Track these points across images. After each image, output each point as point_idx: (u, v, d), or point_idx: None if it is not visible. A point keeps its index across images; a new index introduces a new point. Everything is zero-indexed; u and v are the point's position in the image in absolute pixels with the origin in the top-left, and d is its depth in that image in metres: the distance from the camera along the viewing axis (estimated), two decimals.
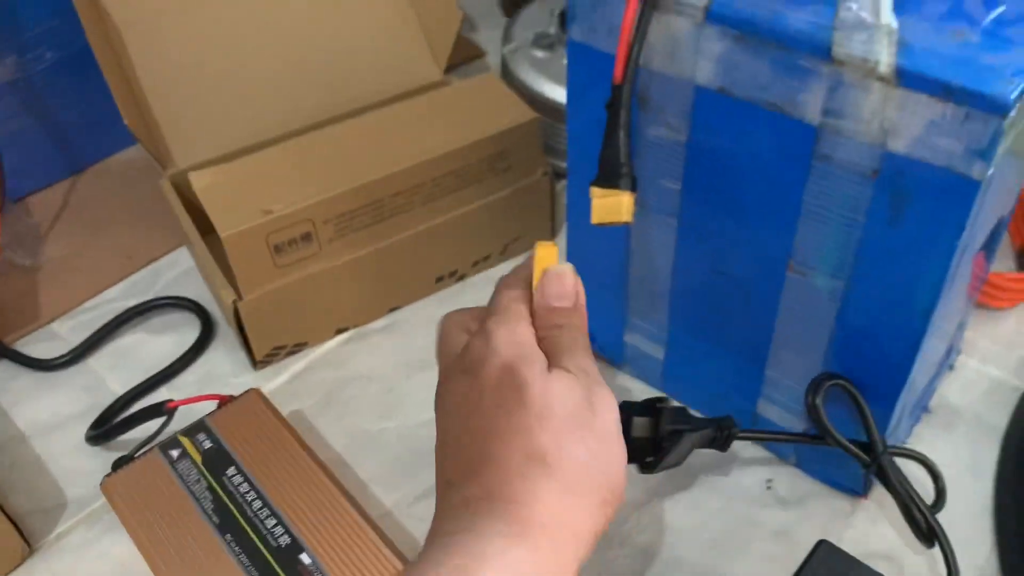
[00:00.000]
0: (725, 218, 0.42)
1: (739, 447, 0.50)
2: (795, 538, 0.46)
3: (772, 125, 0.37)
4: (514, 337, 0.35)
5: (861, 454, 0.43)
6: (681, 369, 0.51)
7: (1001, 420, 0.51)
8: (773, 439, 0.44)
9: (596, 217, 0.39)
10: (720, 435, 0.42)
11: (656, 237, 0.46)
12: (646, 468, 0.41)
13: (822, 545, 0.39)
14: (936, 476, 0.45)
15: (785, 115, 0.37)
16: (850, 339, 0.42)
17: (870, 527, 0.46)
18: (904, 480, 0.43)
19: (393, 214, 0.55)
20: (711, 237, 0.43)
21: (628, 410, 0.40)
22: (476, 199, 0.58)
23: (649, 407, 0.41)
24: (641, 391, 0.53)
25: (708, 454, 0.50)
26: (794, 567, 0.45)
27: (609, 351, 0.54)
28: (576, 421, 0.33)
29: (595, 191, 0.39)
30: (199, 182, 0.53)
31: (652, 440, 0.41)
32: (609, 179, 0.38)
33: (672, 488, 0.49)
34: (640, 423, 0.41)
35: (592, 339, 0.54)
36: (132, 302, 0.61)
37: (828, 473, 0.48)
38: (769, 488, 0.48)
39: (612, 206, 0.38)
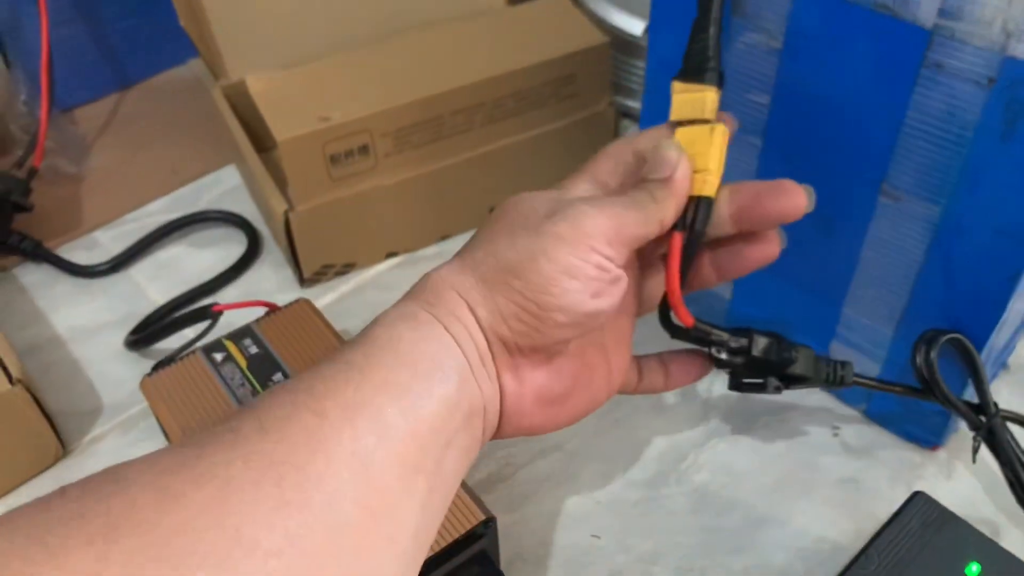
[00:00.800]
0: (815, 137, 0.40)
1: (806, 392, 0.48)
2: (861, 487, 0.44)
3: (879, 29, 0.35)
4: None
5: (972, 415, 0.40)
6: (749, 308, 0.48)
7: None
8: (885, 389, 0.41)
9: (675, 114, 0.36)
10: (834, 375, 0.39)
11: (736, 161, 0.43)
12: (740, 386, 0.39)
13: (917, 496, 0.37)
14: None
15: (895, 18, 0.34)
16: (942, 272, 0.39)
17: (942, 481, 0.44)
18: (1015, 445, 0.40)
19: (452, 133, 0.53)
20: (797, 159, 0.41)
21: (750, 345, 0.38)
22: (537, 126, 0.55)
23: (776, 354, 0.38)
24: None
25: (774, 397, 0.47)
26: (859, 516, 0.42)
27: None
28: (524, 222, 0.32)
29: (676, 86, 0.36)
30: (256, 86, 0.52)
31: (763, 363, 0.38)
32: (694, 73, 0.35)
33: (732, 429, 0.46)
34: (762, 342, 0.37)
35: None
36: (176, 216, 0.59)
37: (899, 423, 0.45)
38: (836, 435, 0.46)
39: (695, 102, 0.35)
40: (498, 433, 0.33)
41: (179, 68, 0.71)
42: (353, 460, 0.26)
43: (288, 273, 0.56)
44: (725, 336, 0.38)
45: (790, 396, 0.47)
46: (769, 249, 0.37)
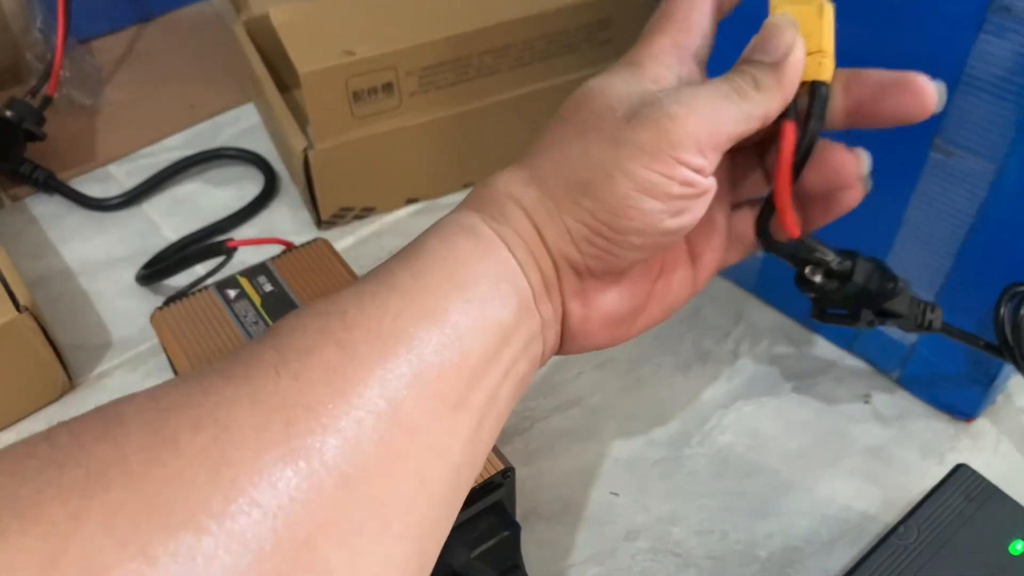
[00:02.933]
0: None
1: (836, 356, 0.46)
2: (891, 457, 0.42)
3: None
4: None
5: None
6: (781, 265, 0.46)
7: None
8: (968, 342, 0.37)
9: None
10: (922, 317, 0.35)
11: None
12: (824, 316, 0.35)
13: (960, 468, 0.35)
14: None
15: None
16: (992, 234, 0.37)
17: (976, 453, 0.42)
18: None
19: (479, 75, 0.51)
20: None
21: (852, 266, 0.33)
22: (568, 71, 0.53)
23: (877, 280, 0.34)
24: (729, 291, 0.49)
25: (797, 359, 0.46)
26: (888, 486, 0.41)
27: None
28: (598, 123, 0.27)
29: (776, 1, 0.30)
30: (279, 17, 0.50)
31: (860, 292, 0.33)
32: None
33: (759, 392, 0.45)
34: (866, 267, 0.33)
35: None
36: (192, 152, 0.57)
37: (934, 393, 0.44)
38: (866, 403, 0.44)
39: (808, 16, 0.29)
40: (559, 353, 0.30)
41: (200, 3, 0.69)
42: (379, 401, 0.22)
43: (305, 215, 0.54)
44: (830, 256, 0.33)
45: (819, 361, 0.46)
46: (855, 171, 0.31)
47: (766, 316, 0.48)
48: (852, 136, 0.39)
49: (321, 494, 0.21)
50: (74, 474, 0.19)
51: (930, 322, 0.36)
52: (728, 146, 0.27)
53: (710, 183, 0.27)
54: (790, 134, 0.29)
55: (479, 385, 0.25)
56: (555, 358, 0.46)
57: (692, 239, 0.32)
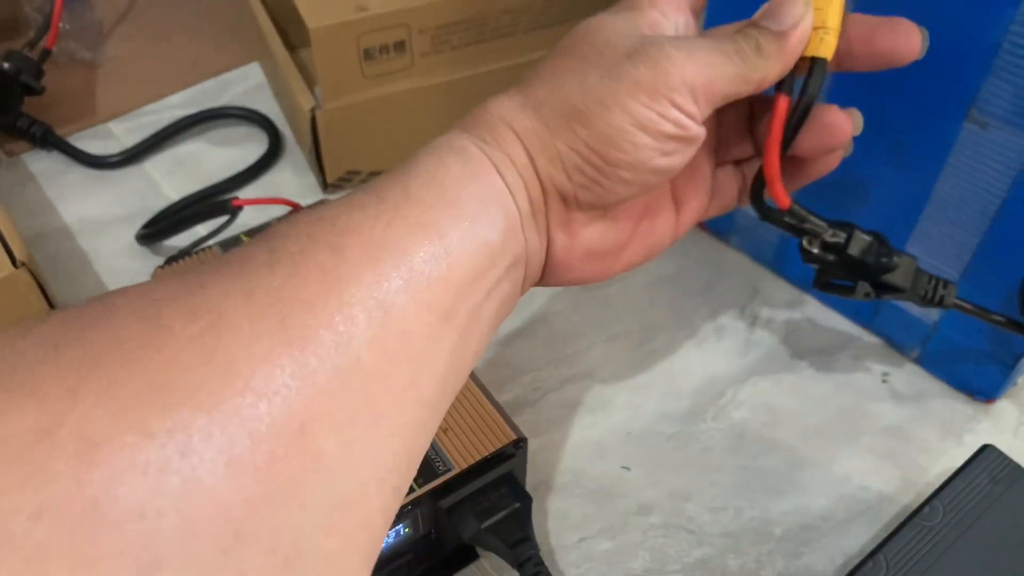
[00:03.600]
0: None
1: (855, 333, 0.45)
2: (910, 436, 0.41)
3: None
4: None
5: None
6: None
7: None
8: (986, 318, 0.36)
9: None
10: (933, 293, 0.35)
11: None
12: (825, 286, 0.35)
13: (986, 449, 0.34)
14: None
15: None
16: None
17: (995, 435, 0.41)
18: None
19: (495, 36, 0.49)
20: (874, 75, 0.37)
21: (849, 240, 0.33)
22: None
23: (875, 254, 0.33)
24: (746, 265, 0.48)
25: (814, 335, 0.45)
26: (906, 466, 0.40)
27: (716, 219, 0.48)
28: (598, 56, 0.27)
29: None
30: None
31: (858, 264, 0.33)
32: None
33: (776, 368, 0.44)
34: (862, 240, 0.33)
35: None
36: (195, 111, 0.56)
37: (954, 373, 0.43)
38: (885, 381, 0.43)
39: None
40: (540, 283, 0.31)
41: None
42: (371, 303, 0.23)
43: (310, 178, 0.53)
44: (824, 226, 0.33)
45: (836, 338, 0.45)
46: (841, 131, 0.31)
47: (783, 291, 0.47)
48: (884, 102, 0.38)
49: (315, 384, 0.21)
50: (70, 353, 0.19)
51: (942, 297, 0.35)
52: (720, 103, 0.28)
53: (700, 131, 0.28)
54: (783, 107, 0.29)
55: (465, 299, 0.25)
56: (566, 331, 0.45)
57: (677, 185, 0.33)
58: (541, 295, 0.47)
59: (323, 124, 0.48)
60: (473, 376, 0.37)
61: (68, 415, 0.18)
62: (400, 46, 0.47)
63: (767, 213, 0.33)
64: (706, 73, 0.27)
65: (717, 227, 0.49)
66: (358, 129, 0.49)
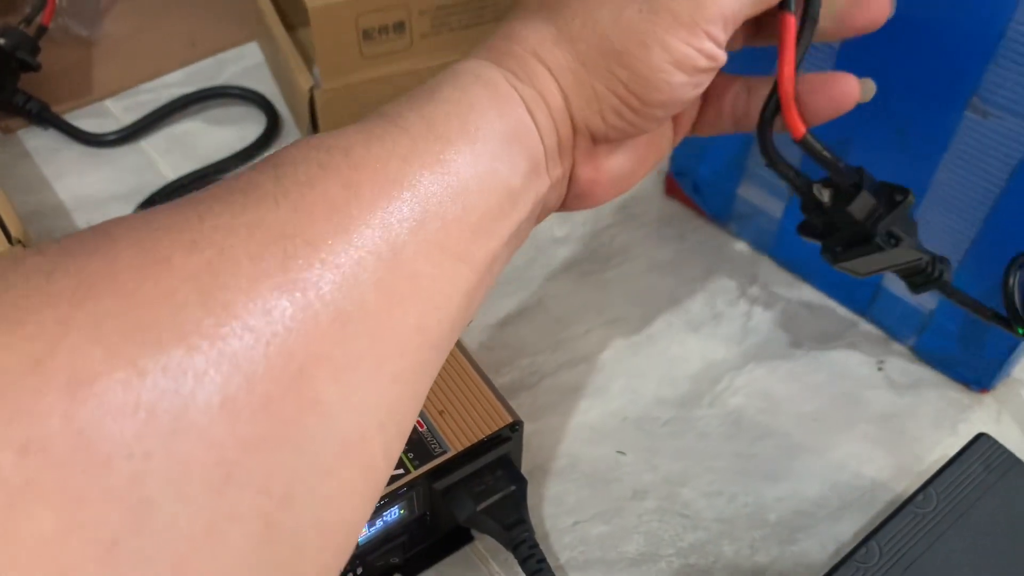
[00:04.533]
0: (901, 39, 0.36)
1: (851, 321, 0.45)
2: (904, 425, 0.41)
3: None
4: None
5: None
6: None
7: None
8: (972, 308, 0.36)
9: None
10: (930, 273, 0.35)
11: (808, 65, 0.40)
12: (829, 254, 0.34)
13: (981, 438, 0.34)
14: None
15: None
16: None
17: (990, 425, 0.41)
18: None
19: (495, 18, 0.49)
20: (877, 63, 0.37)
21: (860, 181, 0.32)
22: None
23: (887, 194, 0.32)
24: (744, 253, 0.48)
25: (812, 323, 0.45)
26: (900, 454, 0.40)
27: (715, 205, 0.48)
28: None
29: None
30: None
31: (859, 228, 0.32)
32: None
33: (772, 355, 0.44)
34: (864, 203, 0.32)
35: (696, 190, 0.49)
36: (192, 90, 0.55)
37: (949, 362, 0.43)
38: (880, 370, 0.43)
39: None
40: (558, 210, 0.30)
41: None
42: (381, 244, 0.22)
43: None
44: (837, 161, 0.31)
45: (833, 326, 0.45)
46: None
47: (781, 278, 0.47)
48: (886, 89, 0.38)
49: (316, 327, 0.20)
50: (63, 283, 0.18)
51: (940, 272, 0.34)
52: (741, 23, 0.28)
53: (725, 58, 0.27)
54: (792, 26, 0.29)
55: (483, 241, 0.24)
56: (563, 315, 0.45)
57: None
58: (540, 279, 0.47)
59: (321, 104, 0.48)
60: (470, 359, 0.37)
61: (58, 347, 0.17)
62: (399, 27, 0.47)
63: (775, 159, 0.32)
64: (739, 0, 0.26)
65: (716, 214, 0.49)
66: (356, 109, 0.49)
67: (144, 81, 0.57)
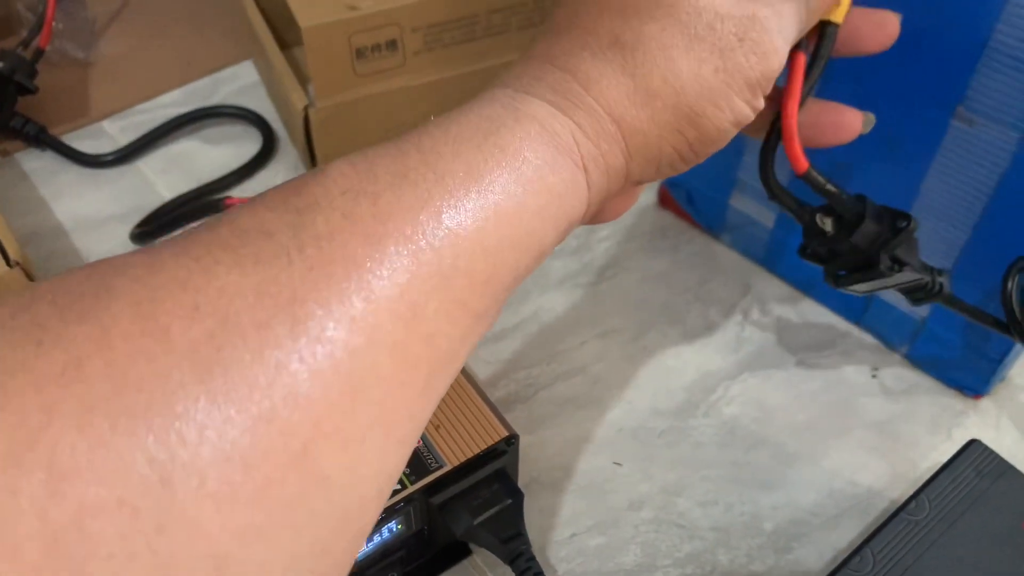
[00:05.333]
0: (886, 51, 0.36)
1: (845, 330, 0.45)
2: (899, 432, 0.41)
3: None
4: None
5: None
6: (792, 237, 0.46)
7: None
8: (972, 315, 0.37)
9: None
10: (930, 288, 0.35)
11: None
12: (832, 279, 0.34)
13: (973, 444, 0.34)
14: None
15: None
16: (1012, 206, 0.36)
17: (985, 431, 0.41)
18: None
19: (487, 34, 0.50)
20: (864, 72, 0.38)
21: (863, 211, 0.32)
22: None
23: (890, 221, 0.33)
24: (738, 263, 0.48)
25: (805, 332, 0.45)
26: (895, 461, 0.40)
27: (708, 216, 0.49)
28: (709, 34, 0.25)
29: None
30: None
31: (863, 255, 0.33)
32: None
33: (766, 364, 0.44)
34: (867, 230, 0.32)
35: (689, 201, 0.50)
36: (189, 109, 0.56)
37: (943, 368, 0.43)
38: (874, 377, 0.44)
39: None
40: None
41: None
42: (400, 304, 0.20)
43: None
44: (841, 193, 0.32)
45: (826, 334, 0.45)
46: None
47: (774, 288, 0.47)
48: (873, 98, 0.38)
49: (326, 399, 0.19)
50: (52, 356, 0.17)
51: (940, 285, 0.35)
52: None
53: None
54: (801, 64, 0.30)
55: (501, 297, 0.23)
56: (558, 327, 0.45)
57: None
58: (535, 292, 0.47)
59: (316, 122, 0.48)
60: (465, 372, 0.37)
61: (41, 437, 0.16)
62: (392, 44, 0.48)
63: (777, 190, 0.32)
64: (786, 49, 0.27)
65: (709, 224, 0.49)
66: (351, 127, 0.49)
67: (140, 102, 0.57)
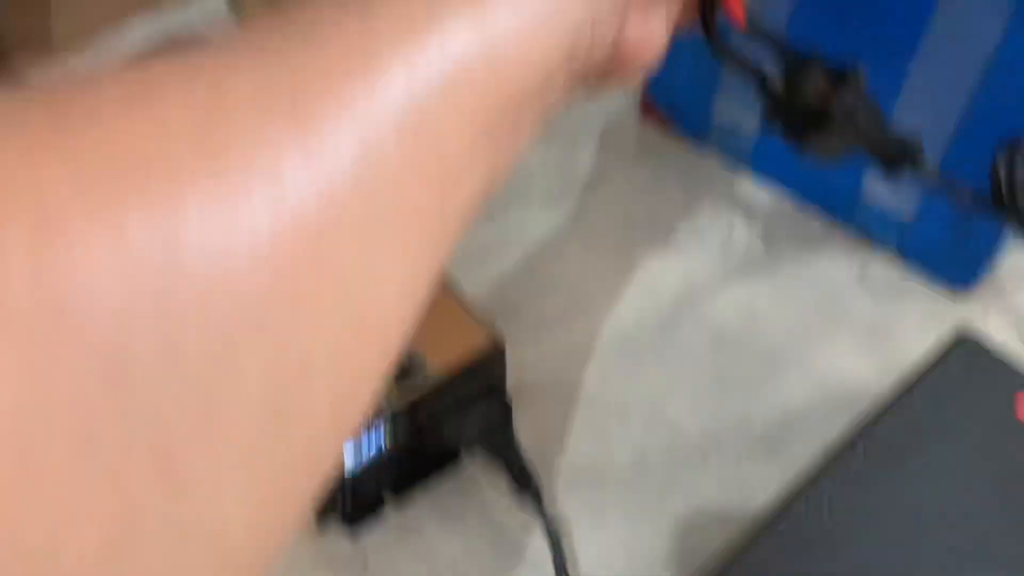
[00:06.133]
0: None
1: (831, 231, 0.45)
2: (888, 330, 0.41)
3: None
4: None
5: None
6: (777, 143, 0.45)
7: None
8: (954, 192, 0.35)
9: None
10: (900, 157, 0.33)
11: None
12: (794, 143, 0.33)
13: (961, 336, 0.34)
14: None
15: None
16: (1004, 83, 0.35)
17: (975, 324, 0.41)
18: None
19: None
20: None
21: (808, 60, 0.31)
22: None
23: (838, 74, 0.31)
24: (723, 172, 0.48)
25: (792, 237, 0.45)
26: (885, 359, 0.40)
27: (692, 122, 0.48)
28: None
29: None
30: None
31: (817, 111, 0.31)
32: None
33: (753, 270, 0.44)
34: (815, 82, 0.31)
35: (672, 108, 0.49)
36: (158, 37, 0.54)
37: (931, 263, 0.43)
38: (863, 277, 0.43)
39: None
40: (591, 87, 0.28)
41: None
42: (406, 102, 0.19)
43: None
44: (787, 46, 0.31)
45: (814, 237, 0.45)
46: None
47: (760, 193, 0.47)
48: None
49: (332, 187, 0.17)
50: (36, 110, 0.15)
51: (913, 158, 0.33)
52: None
53: None
54: None
55: (509, 117, 0.22)
56: (541, 243, 0.45)
57: None
58: (515, 208, 0.46)
59: None
60: (450, 286, 0.37)
61: (23, 181, 0.14)
62: None
63: (720, 47, 0.31)
64: None
65: (693, 132, 0.48)
66: None
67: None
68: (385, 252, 0.19)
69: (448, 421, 0.34)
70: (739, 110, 0.45)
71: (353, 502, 0.35)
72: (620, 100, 0.51)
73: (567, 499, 0.36)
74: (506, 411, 0.35)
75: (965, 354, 0.34)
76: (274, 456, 0.17)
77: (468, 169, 0.21)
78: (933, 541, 0.29)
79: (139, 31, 0.56)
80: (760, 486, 0.36)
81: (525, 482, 0.34)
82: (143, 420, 0.15)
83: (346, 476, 0.34)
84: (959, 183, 0.35)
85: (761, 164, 0.46)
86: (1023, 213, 0.34)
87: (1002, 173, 0.33)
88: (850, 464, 0.31)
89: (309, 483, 0.18)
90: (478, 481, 0.37)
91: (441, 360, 0.34)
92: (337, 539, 0.35)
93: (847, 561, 0.29)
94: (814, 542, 0.29)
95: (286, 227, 0.16)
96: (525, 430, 0.38)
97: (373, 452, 0.34)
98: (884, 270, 0.44)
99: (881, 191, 0.42)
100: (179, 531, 0.15)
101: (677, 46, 0.31)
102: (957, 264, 0.42)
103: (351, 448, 0.33)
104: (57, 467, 0.14)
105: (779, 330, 0.41)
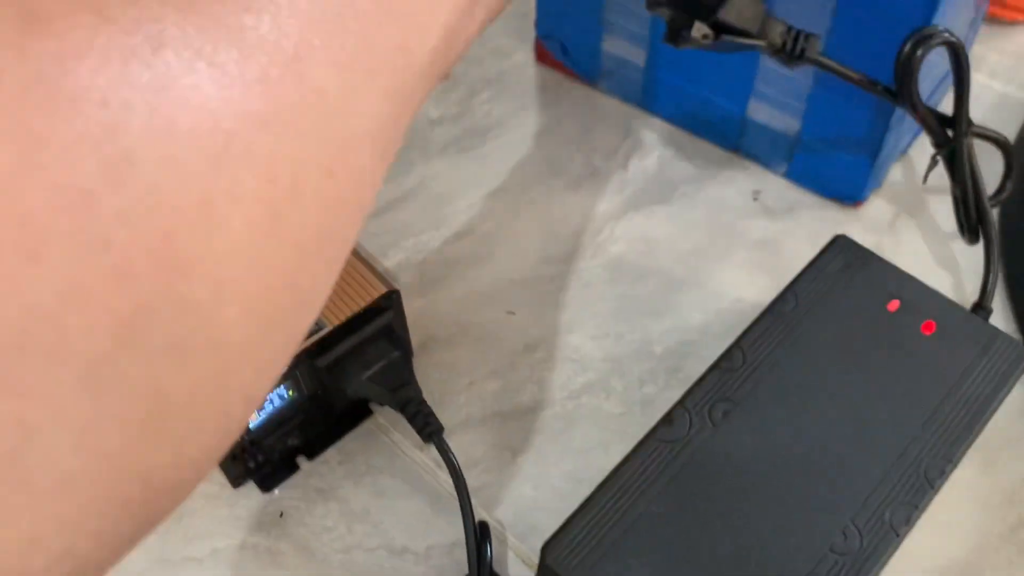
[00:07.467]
0: None
1: (725, 158, 0.46)
2: (781, 247, 0.43)
3: None
4: None
5: (940, 130, 0.37)
6: (664, 73, 0.46)
7: (1008, 134, 0.47)
8: (847, 77, 0.35)
9: None
10: (793, 44, 0.33)
11: None
12: (674, 37, 0.32)
13: (838, 239, 0.35)
14: (1010, 165, 0.40)
15: None
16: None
17: (865, 235, 0.43)
18: (975, 165, 0.38)
19: None
20: None
21: None
22: None
23: None
24: (617, 109, 0.48)
25: (686, 166, 0.46)
26: (778, 274, 0.41)
27: (583, 64, 0.48)
28: None
29: None
30: None
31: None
32: None
33: (649, 200, 0.44)
34: None
35: (564, 51, 0.49)
36: None
37: (821, 181, 0.44)
38: (756, 199, 0.44)
39: None
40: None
41: None
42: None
43: None
44: None
45: (707, 165, 0.46)
46: None
47: (654, 127, 0.47)
48: None
49: (308, 10, 0.17)
50: None
51: (802, 50, 0.33)
52: None
53: None
54: None
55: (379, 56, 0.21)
56: (444, 193, 0.45)
57: None
58: (418, 161, 0.47)
59: None
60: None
61: None
62: None
63: None
64: None
65: (586, 73, 0.49)
66: None
67: None
68: (360, 78, 0.19)
69: (347, 367, 0.35)
70: (627, 47, 0.46)
71: (264, 457, 0.36)
72: (515, 45, 0.51)
73: (474, 438, 0.37)
74: (404, 352, 0.36)
75: (842, 253, 0.35)
76: (268, 254, 0.17)
77: (431, 13, 0.21)
78: (814, 414, 0.31)
79: None
80: (662, 407, 0.37)
81: (426, 424, 0.34)
82: (144, 207, 0.14)
83: (251, 429, 0.34)
84: (860, 72, 0.35)
85: (651, 102, 0.47)
86: (914, 99, 0.35)
87: (903, 59, 0.33)
88: (733, 367, 0.32)
89: (296, 297, 0.19)
90: (387, 429, 0.38)
91: (335, 309, 0.35)
92: (252, 496, 0.36)
93: (741, 443, 0.30)
94: (704, 431, 0.30)
95: (267, 41, 0.17)
96: (432, 374, 0.39)
97: (274, 406, 0.34)
98: (777, 190, 0.45)
99: (763, 113, 0.43)
100: (181, 313, 0.15)
101: None
102: (846, 180, 0.43)
103: None
104: (58, 245, 0.14)
105: (676, 255, 0.42)
